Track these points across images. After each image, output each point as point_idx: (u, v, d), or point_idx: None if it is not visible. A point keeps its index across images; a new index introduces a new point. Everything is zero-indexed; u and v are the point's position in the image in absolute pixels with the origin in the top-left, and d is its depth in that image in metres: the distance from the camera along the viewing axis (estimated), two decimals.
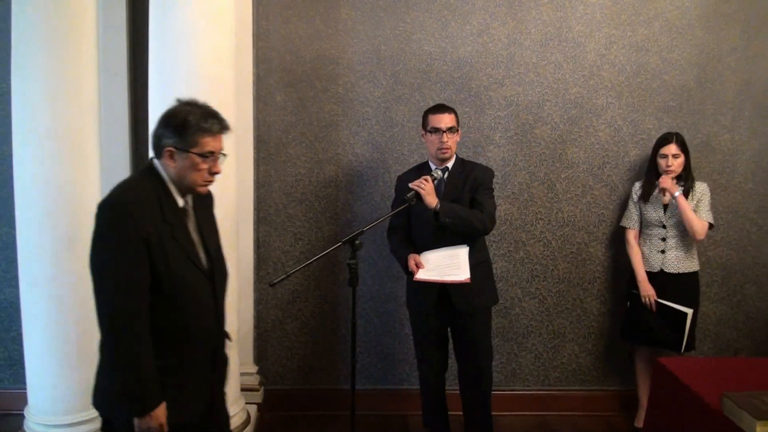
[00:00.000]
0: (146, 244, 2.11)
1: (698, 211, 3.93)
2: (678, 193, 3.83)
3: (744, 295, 4.48)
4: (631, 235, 3.98)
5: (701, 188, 3.98)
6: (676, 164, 3.87)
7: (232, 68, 3.33)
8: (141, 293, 2.10)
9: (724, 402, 2.46)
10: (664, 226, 3.88)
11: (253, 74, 4.03)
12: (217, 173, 2.27)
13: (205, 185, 2.28)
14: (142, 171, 2.26)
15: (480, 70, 4.12)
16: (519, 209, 4.20)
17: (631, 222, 3.99)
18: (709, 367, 2.94)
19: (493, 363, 3.96)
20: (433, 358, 3.59)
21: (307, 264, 3.50)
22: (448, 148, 3.42)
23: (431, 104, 3.81)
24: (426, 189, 3.24)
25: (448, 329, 3.59)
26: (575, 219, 4.23)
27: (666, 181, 3.82)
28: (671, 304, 3.82)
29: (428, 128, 3.44)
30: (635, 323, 3.92)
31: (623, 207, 4.19)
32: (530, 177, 4.19)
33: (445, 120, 3.41)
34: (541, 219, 4.24)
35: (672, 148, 3.88)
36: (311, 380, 4.23)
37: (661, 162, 3.90)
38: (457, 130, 3.49)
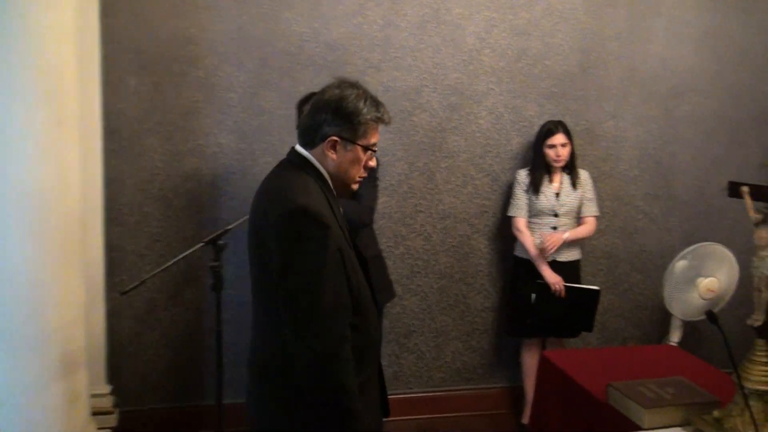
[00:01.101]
0: (341, 255, 1.91)
1: (584, 204, 3.93)
2: (566, 235, 3.86)
3: (630, 283, 4.50)
4: (522, 223, 3.93)
5: (584, 176, 3.98)
6: (565, 153, 3.88)
7: (73, 47, 2.97)
8: (349, 314, 1.90)
9: (610, 392, 2.42)
10: (556, 215, 3.86)
11: (100, 55, 3.66)
12: (372, 168, 2.07)
13: (358, 183, 2.07)
14: (296, 165, 2.01)
15: (355, 54, 3.94)
16: (398, 202, 4.05)
17: (520, 210, 3.93)
18: (596, 358, 2.96)
19: None
20: None
21: (165, 268, 3.30)
22: None
23: (302, 90, 3.64)
24: None
25: None
26: (456, 211, 4.14)
27: (553, 243, 3.80)
28: (579, 285, 3.89)
29: None
30: (544, 315, 3.87)
31: (506, 197, 4.12)
32: (409, 167, 4.06)
33: None
34: (421, 211, 4.11)
35: (560, 138, 3.86)
36: (174, 398, 3.90)
37: (550, 153, 3.87)
38: None
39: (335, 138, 1.98)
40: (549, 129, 3.89)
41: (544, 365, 2.88)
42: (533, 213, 3.94)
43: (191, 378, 3.92)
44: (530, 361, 3.97)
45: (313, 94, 3.28)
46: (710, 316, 2.09)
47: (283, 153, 3.73)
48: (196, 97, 3.82)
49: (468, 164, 4.14)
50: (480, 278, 4.21)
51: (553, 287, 3.86)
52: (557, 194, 3.89)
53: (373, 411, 2.04)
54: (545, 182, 3.93)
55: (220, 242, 2.99)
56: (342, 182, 2.04)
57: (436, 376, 4.22)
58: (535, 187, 3.90)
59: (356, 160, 2.01)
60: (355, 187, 2.08)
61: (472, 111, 4.12)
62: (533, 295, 3.87)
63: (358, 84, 2.03)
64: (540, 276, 3.88)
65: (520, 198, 3.95)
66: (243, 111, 3.87)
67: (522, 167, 4.06)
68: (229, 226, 2.90)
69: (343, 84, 2.02)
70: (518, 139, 4.17)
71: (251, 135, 3.88)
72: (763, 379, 2.16)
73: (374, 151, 2.04)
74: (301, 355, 1.83)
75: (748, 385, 2.16)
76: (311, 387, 1.84)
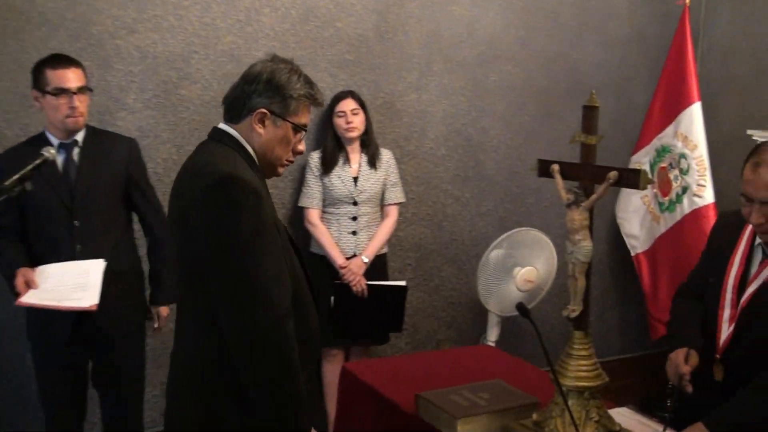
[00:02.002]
0: (276, 230, 2.05)
1: (387, 189, 4.02)
2: (365, 259, 3.98)
3: (442, 278, 4.69)
4: (315, 216, 3.96)
5: (386, 156, 4.08)
6: (357, 121, 3.96)
7: None
8: (289, 290, 2.03)
9: (420, 403, 2.51)
10: (355, 203, 3.92)
11: None
12: (300, 153, 2.24)
13: (284, 167, 2.23)
14: (219, 141, 2.13)
15: (102, 11, 3.75)
16: (166, 194, 3.89)
17: (313, 200, 3.96)
18: (405, 365, 3.04)
19: (146, 396, 3.64)
20: (66, 400, 3.33)
21: None
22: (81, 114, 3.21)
23: (34, 55, 3.42)
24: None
25: (89, 362, 3.40)
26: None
27: (356, 281, 3.95)
28: (384, 282, 3.99)
29: (49, 88, 3.14)
30: (346, 320, 3.96)
31: (298, 184, 4.12)
32: (178, 151, 3.96)
33: (73, 78, 3.17)
34: None
35: (349, 103, 3.94)
36: None
37: (340, 122, 3.94)
38: (90, 90, 3.28)
39: (264, 110, 2.12)
40: (336, 96, 3.99)
41: (346, 380, 2.92)
42: (328, 202, 4.00)
43: None
44: (333, 375, 4.01)
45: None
46: (521, 309, 2.22)
47: (10, 137, 3.51)
48: None
49: None
50: None
51: (354, 288, 3.94)
52: (355, 178, 3.96)
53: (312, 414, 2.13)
54: (340, 163, 3.99)
55: None
56: (268, 162, 2.18)
57: None
58: (326, 168, 3.95)
59: (285, 139, 2.16)
60: (281, 170, 2.23)
61: None
62: (332, 298, 3.91)
63: (291, 61, 2.20)
64: (338, 275, 3.94)
65: (312, 186, 3.99)
66: None
67: (315, 149, 4.08)
68: None
69: (276, 58, 2.20)
70: (309, 116, 4.17)
71: None
72: (582, 374, 2.33)
73: (305, 131, 2.20)
74: (242, 332, 1.94)
75: (567, 382, 2.32)
76: (254, 363, 1.94)
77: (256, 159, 2.14)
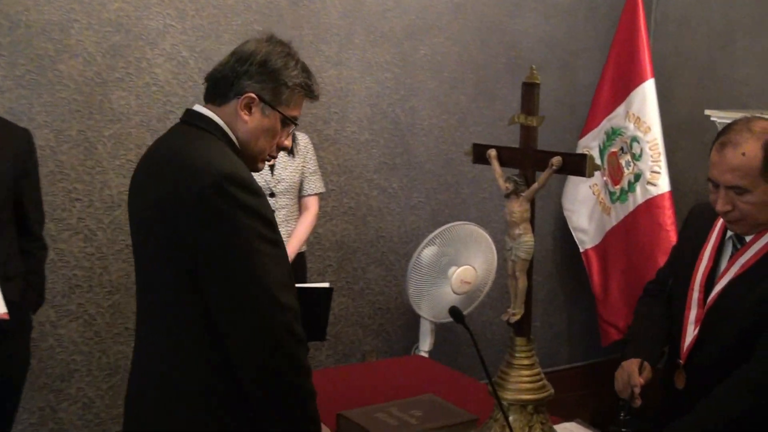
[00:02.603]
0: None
1: (306, 178, 4.01)
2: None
3: (368, 280, 4.70)
4: None
5: (304, 141, 4.07)
6: None
7: None
8: (295, 294, 2.12)
9: (342, 423, 2.54)
10: (272, 194, 3.93)
11: None
12: (285, 149, 2.31)
13: (265, 162, 2.29)
14: (199, 128, 2.17)
15: None
16: (43, 187, 3.81)
17: None
18: (327, 380, 3.06)
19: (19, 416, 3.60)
20: None
21: None
22: None
23: None
24: None
25: None
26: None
27: None
28: (309, 284, 3.96)
29: None
30: None
31: None
32: (56, 137, 3.91)
33: None
34: (77, 200, 3.97)
35: None
36: None
37: None
38: None
39: (253, 95, 2.16)
40: None
41: None
42: None
43: None
44: None
45: None
46: (455, 313, 2.23)
47: None
48: None
49: (144, 130, 4.05)
50: None
51: None
52: (271, 167, 3.94)
53: None
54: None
55: None
56: (249, 155, 2.22)
57: (112, 431, 4.11)
58: None
59: (272, 131, 2.21)
60: (261, 165, 2.28)
61: (144, 56, 4.02)
62: None
63: (289, 44, 2.25)
64: None
65: None
66: None
67: None
68: None
69: (273, 39, 2.24)
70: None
71: None
72: (525, 386, 2.36)
73: (296, 124, 2.26)
74: (255, 339, 2.02)
75: (507, 395, 2.34)
76: (270, 369, 2.02)
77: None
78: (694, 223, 2.77)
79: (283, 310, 2.03)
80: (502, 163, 2.39)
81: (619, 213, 4.89)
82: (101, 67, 3.93)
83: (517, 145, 2.39)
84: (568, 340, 5.51)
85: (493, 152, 2.40)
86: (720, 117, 4.27)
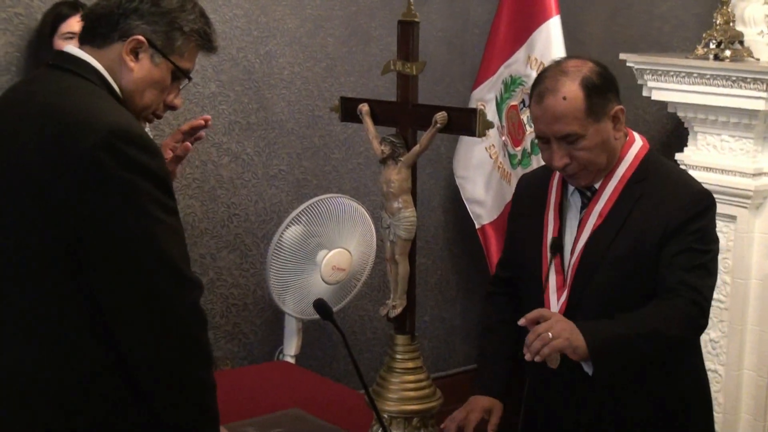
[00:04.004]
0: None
1: None
2: None
3: (219, 269, 4.69)
4: None
5: None
6: None
7: None
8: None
9: None
10: None
11: None
12: (173, 108, 2.34)
13: (150, 119, 2.34)
14: (71, 69, 2.18)
15: None
16: None
17: None
18: None
19: None
20: None
21: None
22: None
23: None
24: None
25: None
26: None
27: None
28: None
29: None
30: None
31: None
32: None
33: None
34: None
35: (78, 23, 3.81)
36: None
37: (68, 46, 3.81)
38: None
39: (142, 39, 2.19)
40: (59, 13, 3.86)
41: None
42: None
43: None
44: None
45: None
46: (320, 307, 2.23)
47: None
48: None
49: None
50: None
51: None
52: None
53: None
54: None
55: None
56: (134, 109, 2.23)
57: None
58: None
59: (160, 84, 2.26)
60: (147, 120, 2.33)
61: None
62: None
63: None
64: None
65: None
66: None
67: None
68: None
69: None
70: (7, 38, 4.08)
71: None
72: (409, 394, 2.38)
73: (189, 79, 2.32)
74: (153, 327, 2.05)
75: (388, 406, 2.36)
76: (175, 356, 2.08)
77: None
78: (524, 192, 2.95)
79: (192, 287, 2.10)
80: (377, 122, 2.40)
81: None
82: None
83: (394, 99, 2.39)
84: (465, 337, 5.58)
85: (365, 107, 2.40)
86: (637, 62, 4.37)
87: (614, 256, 2.62)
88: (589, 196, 2.69)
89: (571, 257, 2.68)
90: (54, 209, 2.02)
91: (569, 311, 2.65)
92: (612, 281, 2.62)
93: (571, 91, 2.55)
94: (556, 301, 2.69)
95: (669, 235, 2.58)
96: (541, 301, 2.70)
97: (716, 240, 2.69)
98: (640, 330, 2.51)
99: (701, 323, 2.62)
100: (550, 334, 2.38)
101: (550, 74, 2.62)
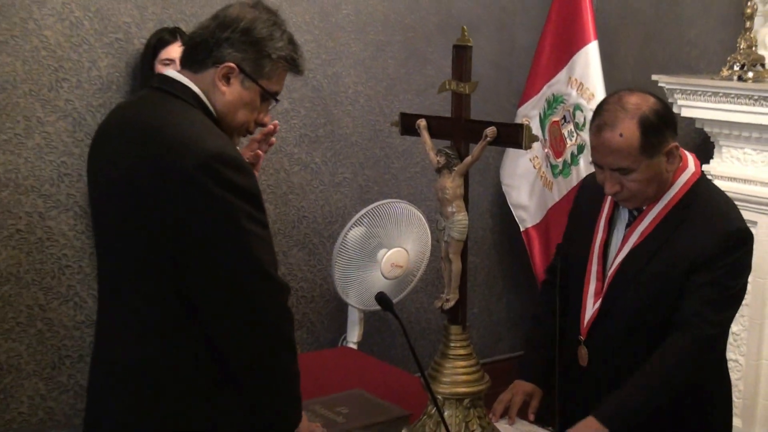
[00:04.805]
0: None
1: None
2: None
3: (290, 265, 4.71)
4: None
5: None
6: None
7: None
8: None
9: None
10: None
11: None
12: (264, 125, 2.36)
13: (241, 136, 2.34)
14: (174, 92, 2.21)
15: None
16: None
17: None
18: None
19: None
20: None
21: None
22: None
23: None
24: None
25: None
26: (19, 175, 3.98)
27: None
28: None
29: None
30: None
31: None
32: None
33: None
34: None
35: (178, 50, 3.81)
36: None
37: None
38: None
39: (233, 66, 2.21)
40: (161, 39, 3.90)
41: None
42: None
43: None
44: None
45: None
46: (382, 300, 2.25)
47: None
48: None
49: (33, 100, 3.97)
50: (66, 278, 4.12)
51: None
52: None
53: None
54: None
55: None
56: (225, 128, 2.26)
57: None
58: None
59: (251, 104, 2.27)
60: (238, 141, 2.34)
61: (32, 16, 3.94)
62: None
63: (277, 13, 2.30)
64: None
65: None
66: None
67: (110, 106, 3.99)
68: None
69: (260, 5, 2.28)
70: (109, 60, 4.10)
71: None
72: (460, 378, 2.39)
73: (276, 100, 2.33)
74: (247, 325, 2.12)
75: (441, 389, 2.37)
76: (262, 355, 2.15)
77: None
78: (586, 194, 2.90)
79: (281, 289, 2.14)
80: (433, 135, 2.41)
81: (561, 188, 4.94)
82: None
83: (449, 115, 2.41)
84: (510, 328, 5.57)
85: (422, 122, 2.42)
86: (668, 82, 4.36)
87: (648, 275, 2.59)
88: (635, 215, 2.67)
89: (610, 268, 2.67)
90: (159, 223, 2.07)
91: (600, 317, 2.67)
92: (642, 298, 2.61)
93: (628, 128, 2.50)
94: (591, 305, 2.70)
95: (698, 265, 2.54)
96: (579, 302, 2.72)
97: (747, 272, 2.64)
98: (651, 392, 2.52)
99: (708, 356, 2.61)
100: None
101: (611, 108, 2.56)
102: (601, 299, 2.67)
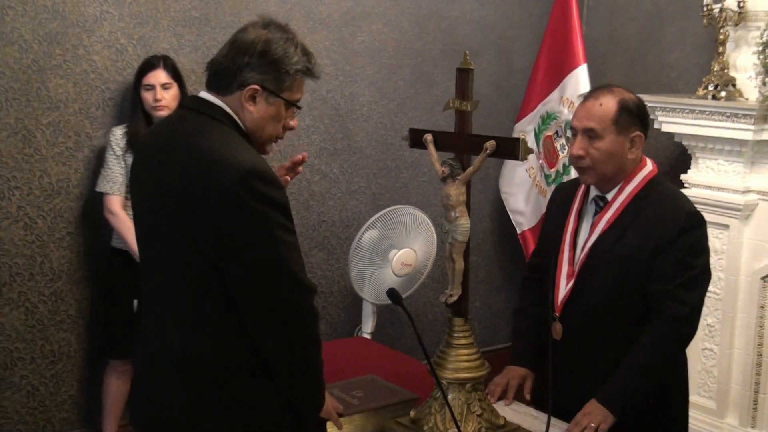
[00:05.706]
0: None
1: None
2: None
3: (311, 264, 4.70)
4: (116, 204, 3.88)
5: None
6: (169, 97, 3.86)
7: None
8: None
9: None
10: None
11: None
12: (292, 129, 2.33)
13: (273, 144, 2.32)
14: (209, 113, 2.19)
15: None
16: None
17: (114, 185, 3.89)
18: None
19: None
20: None
21: None
22: None
23: None
24: None
25: None
26: (70, 185, 4.01)
27: None
28: None
29: None
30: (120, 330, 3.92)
31: (94, 164, 4.05)
32: None
33: None
34: (17, 187, 3.90)
35: (159, 76, 3.85)
36: None
37: (147, 96, 3.86)
38: None
39: (257, 87, 2.18)
40: (146, 64, 3.89)
41: None
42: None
43: None
44: (120, 389, 3.96)
45: None
46: (393, 295, 2.25)
47: None
48: None
49: (83, 117, 4.00)
50: (17, 285, 3.99)
51: None
52: None
53: None
54: None
55: None
56: (258, 142, 2.25)
57: (57, 418, 4.09)
58: (131, 147, 3.85)
59: (277, 117, 2.24)
60: (269, 149, 2.30)
61: (82, 43, 3.96)
62: (135, 302, 3.80)
63: (288, 27, 2.25)
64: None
65: (114, 168, 3.88)
66: None
67: (119, 125, 4.00)
68: None
69: (271, 25, 2.24)
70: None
71: None
72: (463, 365, 2.39)
73: (299, 108, 2.30)
74: (279, 322, 2.12)
75: (446, 374, 2.37)
76: (293, 349, 2.15)
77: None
78: (557, 198, 2.98)
79: (308, 291, 2.14)
80: (438, 148, 2.41)
81: None
82: (38, 55, 3.86)
83: (453, 130, 2.41)
84: (508, 320, 5.55)
85: (429, 137, 2.42)
86: (650, 101, 4.33)
87: (615, 257, 2.64)
88: (601, 206, 2.72)
89: (581, 253, 2.71)
90: (203, 233, 2.06)
91: (573, 296, 2.72)
92: (610, 279, 2.65)
93: (608, 101, 2.63)
94: (564, 286, 2.74)
95: (662, 246, 2.60)
96: (554, 284, 2.76)
97: (706, 254, 2.69)
98: (641, 373, 2.59)
99: (687, 332, 2.67)
100: (593, 424, 2.49)
101: (599, 89, 2.72)
102: (573, 280, 2.71)
